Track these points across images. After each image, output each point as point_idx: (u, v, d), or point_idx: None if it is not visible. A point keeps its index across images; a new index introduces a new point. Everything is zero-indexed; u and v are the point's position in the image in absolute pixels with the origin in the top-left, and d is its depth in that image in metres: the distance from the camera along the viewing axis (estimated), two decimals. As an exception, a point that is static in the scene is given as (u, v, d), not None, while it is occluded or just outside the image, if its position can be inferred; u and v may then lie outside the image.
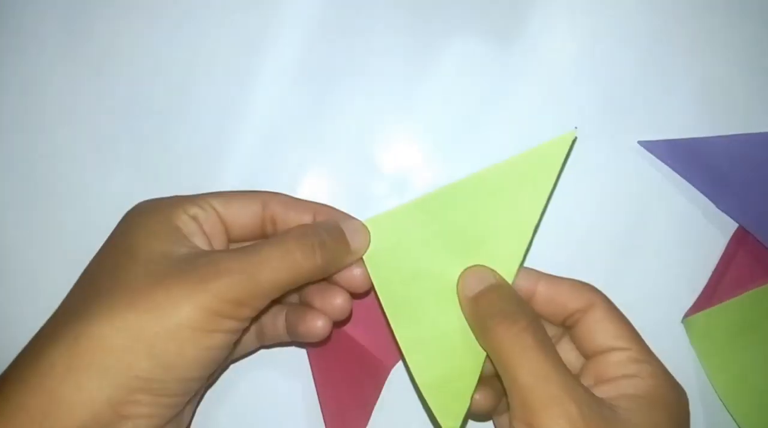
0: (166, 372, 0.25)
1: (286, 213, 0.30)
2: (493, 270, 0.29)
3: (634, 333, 0.28)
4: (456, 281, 0.30)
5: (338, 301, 0.30)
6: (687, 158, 0.35)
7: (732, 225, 0.36)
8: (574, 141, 0.30)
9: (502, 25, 0.37)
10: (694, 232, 0.36)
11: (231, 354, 0.31)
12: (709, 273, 0.36)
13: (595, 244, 0.36)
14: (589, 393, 0.26)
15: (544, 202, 0.29)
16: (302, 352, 0.34)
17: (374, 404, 0.34)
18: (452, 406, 0.29)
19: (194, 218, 0.28)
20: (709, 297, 0.35)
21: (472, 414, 0.31)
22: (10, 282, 0.36)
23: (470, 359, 0.29)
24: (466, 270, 0.29)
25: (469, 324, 0.29)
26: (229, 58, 0.37)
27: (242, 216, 0.29)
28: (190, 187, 0.36)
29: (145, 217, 0.28)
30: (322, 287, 0.31)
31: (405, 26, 0.37)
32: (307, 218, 0.30)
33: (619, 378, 0.27)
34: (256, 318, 0.28)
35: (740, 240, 0.36)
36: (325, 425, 0.33)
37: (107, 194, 0.36)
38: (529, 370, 0.25)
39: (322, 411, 0.33)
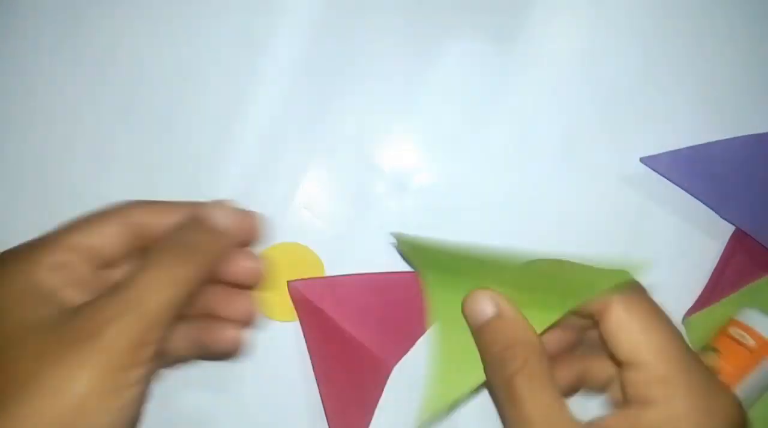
0: None
1: (151, 220, 0.27)
2: (497, 296, 0.28)
3: (662, 336, 0.24)
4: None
5: (245, 305, 0.28)
6: (689, 168, 0.35)
7: (730, 227, 0.36)
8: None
9: (502, 25, 0.37)
10: (693, 233, 0.36)
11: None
12: (709, 274, 0.36)
13: (595, 246, 0.36)
14: None
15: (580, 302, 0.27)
16: (304, 352, 0.34)
17: (377, 403, 0.35)
18: (438, 402, 0.30)
19: (55, 268, 0.24)
20: (708, 297, 0.36)
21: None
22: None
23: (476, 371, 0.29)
24: (471, 294, 0.28)
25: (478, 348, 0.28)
26: (229, 58, 0.37)
27: (109, 242, 0.26)
28: (190, 186, 0.36)
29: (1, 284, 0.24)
30: (219, 293, 0.29)
31: (405, 26, 0.37)
32: (173, 219, 0.27)
33: (641, 403, 0.24)
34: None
35: (738, 241, 0.36)
36: (328, 424, 0.33)
37: (106, 194, 0.36)
38: (522, 412, 0.24)
39: (324, 411, 0.33)
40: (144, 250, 0.26)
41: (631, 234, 0.36)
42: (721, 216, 0.36)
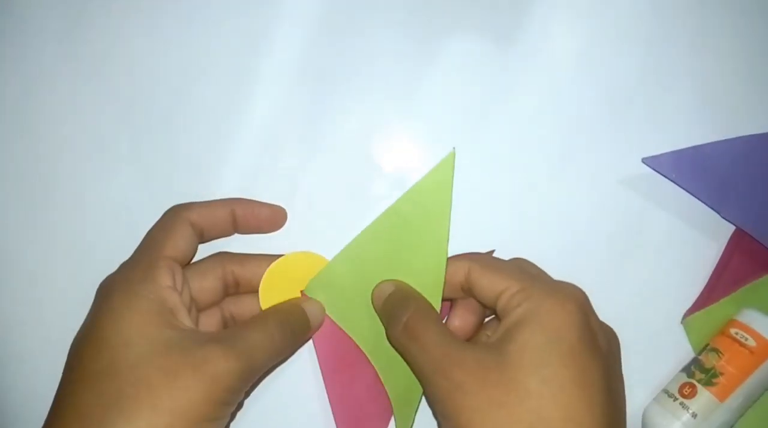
0: None
1: (243, 270, 0.33)
2: (393, 282, 0.32)
3: (509, 275, 0.30)
4: None
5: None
6: (691, 168, 0.35)
7: (730, 227, 0.36)
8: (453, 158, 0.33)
9: (502, 25, 0.37)
10: (693, 233, 0.36)
11: None
12: (709, 274, 0.36)
13: (596, 246, 0.36)
14: (477, 347, 0.28)
15: (448, 217, 0.33)
16: (317, 366, 0.35)
17: (388, 421, 0.35)
18: (406, 414, 0.34)
19: (170, 287, 0.29)
20: (708, 297, 0.35)
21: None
22: (10, 282, 0.37)
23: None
24: (376, 286, 0.33)
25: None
26: (229, 58, 0.37)
27: (208, 284, 0.32)
28: (190, 186, 0.36)
29: (126, 298, 0.28)
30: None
31: (405, 26, 0.37)
32: (224, 213, 0.33)
33: (503, 319, 0.29)
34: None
35: (738, 241, 0.36)
36: None
37: (107, 194, 0.36)
38: (420, 358, 0.28)
39: (336, 423, 0.34)
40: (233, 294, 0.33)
41: (631, 235, 0.36)
42: (722, 216, 0.36)
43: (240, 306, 0.34)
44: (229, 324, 0.34)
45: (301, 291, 0.34)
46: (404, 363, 0.31)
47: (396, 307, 0.31)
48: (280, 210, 0.35)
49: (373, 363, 0.34)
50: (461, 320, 0.33)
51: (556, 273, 0.32)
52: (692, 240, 0.36)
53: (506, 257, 0.34)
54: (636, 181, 0.36)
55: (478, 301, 0.32)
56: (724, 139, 0.36)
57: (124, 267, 0.30)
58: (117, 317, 0.27)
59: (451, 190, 0.33)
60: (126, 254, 0.31)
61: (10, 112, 0.37)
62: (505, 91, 0.37)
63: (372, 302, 0.33)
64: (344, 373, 0.34)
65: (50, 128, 0.37)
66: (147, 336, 0.26)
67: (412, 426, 0.34)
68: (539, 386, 0.26)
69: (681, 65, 0.37)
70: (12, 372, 0.36)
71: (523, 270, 0.31)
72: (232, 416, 0.31)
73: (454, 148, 0.32)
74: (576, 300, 0.28)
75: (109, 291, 0.29)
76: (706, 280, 0.36)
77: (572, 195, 0.36)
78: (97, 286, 0.30)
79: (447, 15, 0.37)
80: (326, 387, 0.34)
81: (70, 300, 0.35)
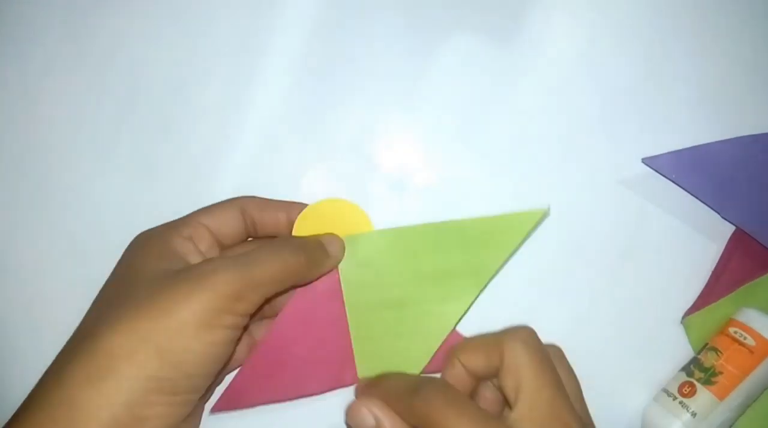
0: (175, 370, 0.26)
1: (261, 214, 0.33)
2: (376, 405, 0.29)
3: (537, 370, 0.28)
4: (415, 303, 0.33)
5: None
6: (691, 168, 0.35)
7: (730, 227, 0.36)
8: (543, 217, 0.32)
9: (502, 25, 0.37)
10: (693, 233, 0.36)
11: (228, 363, 0.33)
12: (708, 274, 0.36)
13: (595, 246, 0.36)
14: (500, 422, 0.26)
15: (500, 264, 0.32)
16: None
17: (307, 392, 0.34)
18: None
19: (188, 239, 0.31)
20: (707, 297, 0.36)
21: None
22: (10, 282, 0.36)
23: (410, 366, 0.33)
24: (349, 407, 0.29)
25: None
26: (229, 58, 0.37)
27: (228, 225, 0.32)
28: (190, 186, 0.36)
29: (145, 244, 0.31)
30: None
31: (405, 26, 0.37)
32: (281, 216, 0.33)
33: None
34: (254, 315, 0.30)
35: (738, 241, 0.36)
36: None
37: (107, 194, 0.36)
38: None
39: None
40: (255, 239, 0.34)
41: (631, 234, 0.36)
42: (721, 216, 0.36)
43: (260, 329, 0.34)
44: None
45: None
46: (385, 358, 0.32)
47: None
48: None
49: (353, 344, 0.33)
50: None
51: (556, 273, 0.32)
52: (692, 240, 0.36)
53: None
54: (636, 181, 0.36)
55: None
56: (723, 139, 0.36)
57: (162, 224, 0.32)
58: (133, 257, 0.30)
59: (516, 247, 0.32)
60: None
61: (9, 112, 0.37)
62: (505, 91, 0.37)
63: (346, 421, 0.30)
64: (308, 329, 0.33)
65: (50, 128, 0.37)
66: (155, 268, 0.29)
67: None
68: None
69: (681, 65, 0.37)
70: (11, 371, 0.36)
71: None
72: (237, 361, 0.33)
73: (549, 207, 0.32)
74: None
75: (133, 244, 0.31)
76: (706, 280, 0.36)
77: (572, 195, 0.36)
78: (95, 287, 0.30)
79: (447, 15, 0.37)
80: (274, 329, 0.33)
81: (69, 300, 0.35)
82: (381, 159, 0.37)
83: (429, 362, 0.33)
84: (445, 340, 0.33)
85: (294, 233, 0.33)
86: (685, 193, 0.36)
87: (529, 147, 0.37)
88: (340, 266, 0.33)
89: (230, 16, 0.37)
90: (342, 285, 0.33)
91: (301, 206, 0.33)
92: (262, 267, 0.28)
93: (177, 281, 0.27)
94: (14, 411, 0.27)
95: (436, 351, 0.33)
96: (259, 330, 0.34)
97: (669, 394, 0.34)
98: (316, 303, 0.33)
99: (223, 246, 0.32)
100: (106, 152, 0.37)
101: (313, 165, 0.37)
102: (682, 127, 0.37)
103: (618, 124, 0.37)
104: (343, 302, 0.33)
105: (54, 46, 0.37)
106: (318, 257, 0.32)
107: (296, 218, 0.33)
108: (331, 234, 0.33)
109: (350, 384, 0.33)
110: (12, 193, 0.36)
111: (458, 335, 0.33)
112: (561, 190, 0.36)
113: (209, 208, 0.32)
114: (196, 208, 0.32)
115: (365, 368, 0.33)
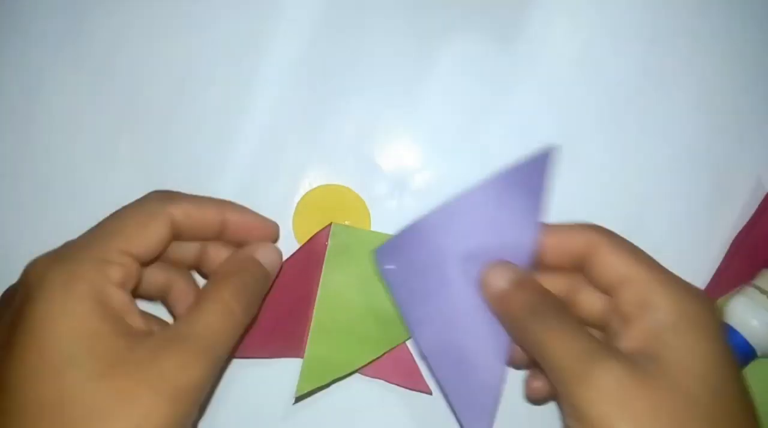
0: None
1: (188, 220, 0.28)
2: (513, 265, 0.29)
3: (641, 259, 0.27)
4: (382, 304, 0.33)
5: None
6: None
7: (730, 227, 0.36)
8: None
9: (502, 25, 0.37)
10: (693, 233, 0.36)
11: None
12: (709, 274, 0.36)
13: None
14: (627, 357, 0.24)
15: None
16: None
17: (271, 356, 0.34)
18: (314, 378, 0.32)
19: (120, 285, 0.24)
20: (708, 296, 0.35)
21: (535, 400, 0.33)
22: (10, 282, 0.36)
23: (355, 358, 0.33)
24: (488, 266, 0.29)
25: (498, 318, 0.29)
26: (230, 58, 0.37)
27: (152, 246, 0.26)
28: (190, 186, 0.36)
29: (65, 301, 0.23)
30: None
31: (405, 26, 0.37)
32: (215, 219, 0.29)
33: (639, 317, 0.25)
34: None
35: (740, 241, 0.36)
36: None
37: (107, 194, 0.36)
38: (562, 356, 0.24)
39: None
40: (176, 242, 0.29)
41: (630, 235, 0.36)
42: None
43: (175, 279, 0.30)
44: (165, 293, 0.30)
45: (331, 223, 0.34)
46: (334, 344, 0.33)
47: (538, 301, 0.27)
48: (274, 226, 0.32)
49: (313, 321, 0.33)
50: (542, 381, 0.30)
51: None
52: (692, 240, 0.36)
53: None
54: (636, 180, 0.36)
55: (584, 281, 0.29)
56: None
57: (70, 249, 0.25)
58: (54, 322, 0.22)
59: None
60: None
61: (9, 112, 0.37)
62: (505, 91, 0.37)
63: (481, 283, 0.29)
64: (282, 295, 0.33)
65: (50, 128, 0.37)
66: (92, 350, 0.22)
67: (311, 390, 0.33)
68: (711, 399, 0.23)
69: (681, 65, 0.37)
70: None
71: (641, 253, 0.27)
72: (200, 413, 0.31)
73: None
74: (713, 311, 0.25)
75: (44, 282, 0.23)
76: (707, 281, 0.36)
77: (572, 195, 0.36)
78: None
79: (447, 15, 0.37)
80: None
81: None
82: (381, 159, 0.37)
83: (370, 363, 0.33)
84: (393, 350, 0.34)
85: (293, 219, 0.33)
86: (685, 193, 0.36)
87: (528, 147, 0.37)
88: (329, 248, 0.33)
89: (231, 17, 0.37)
90: (324, 264, 0.33)
91: (234, 207, 0.30)
92: (221, 341, 0.25)
93: (131, 386, 0.22)
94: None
95: (381, 356, 0.33)
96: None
97: (762, 291, 0.33)
98: (298, 273, 0.34)
99: (144, 265, 0.27)
100: (106, 152, 0.37)
101: (313, 165, 0.37)
102: (682, 127, 0.37)
103: (618, 123, 0.37)
104: (318, 279, 0.34)
105: (54, 46, 0.37)
106: (264, 288, 0.29)
107: (231, 219, 0.30)
108: (269, 248, 0.30)
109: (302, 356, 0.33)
110: (12, 193, 0.36)
111: (407, 350, 0.34)
112: (560, 190, 0.36)
113: (127, 219, 0.26)
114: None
115: (315, 347, 0.33)
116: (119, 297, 0.24)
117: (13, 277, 0.37)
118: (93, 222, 0.36)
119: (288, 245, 0.35)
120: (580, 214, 0.36)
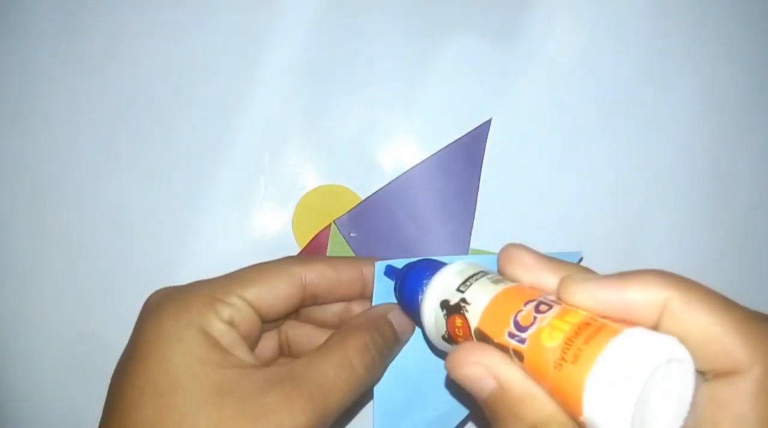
0: None
1: (318, 280, 0.27)
2: (491, 366, 0.20)
3: (725, 316, 0.19)
4: None
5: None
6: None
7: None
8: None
9: (502, 25, 0.37)
10: (693, 233, 0.36)
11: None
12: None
13: (595, 246, 0.36)
14: None
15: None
16: None
17: None
18: None
19: (230, 323, 0.25)
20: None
21: None
22: (10, 282, 0.36)
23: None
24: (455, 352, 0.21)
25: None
26: (229, 58, 0.37)
27: (277, 301, 0.26)
28: (189, 186, 0.36)
29: (173, 327, 0.24)
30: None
31: (405, 26, 0.37)
32: (352, 276, 0.28)
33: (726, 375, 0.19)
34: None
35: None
36: None
37: (107, 194, 0.36)
38: None
39: None
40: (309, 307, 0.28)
41: (630, 235, 0.36)
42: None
43: (298, 331, 0.30)
44: (284, 351, 0.29)
45: (334, 222, 0.34)
46: None
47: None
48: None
49: None
50: None
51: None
52: (692, 240, 0.36)
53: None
54: (636, 180, 0.36)
55: None
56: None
57: (192, 284, 0.26)
58: (165, 352, 0.23)
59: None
60: (125, 254, 0.31)
61: (9, 112, 0.37)
62: (504, 91, 0.37)
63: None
64: None
65: (49, 128, 0.37)
66: (198, 378, 0.22)
67: None
68: None
69: (681, 65, 0.37)
70: (10, 371, 0.36)
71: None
72: None
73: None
74: None
75: (158, 310, 0.24)
76: (707, 280, 0.36)
77: (572, 195, 0.36)
78: (93, 287, 0.29)
79: (447, 15, 0.37)
80: None
81: (68, 300, 0.35)
82: (381, 159, 0.37)
83: None
84: None
85: (293, 220, 0.33)
86: (685, 193, 0.36)
87: (528, 147, 0.37)
88: (330, 248, 0.34)
89: (230, 16, 0.37)
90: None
91: (357, 263, 0.28)
92: (335, 395, 0.24)
93: (240, 412, 0.22)
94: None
95: None
96: (289, 329, 0.30)
97: None
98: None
99: (266, 321, 0.27)
100: (105, 152, 0.37)
101: (313, 165, 0.37)
102: (682, 127, 0.37)
103: (618, 123, 0.37)
104: None
105: (53, 46, 0.37)
106: (391, 352, 0.27)
107: (369, 275, 0.28)
108: (400, 312, 0.27)
109: None
110: (11, 192, 0.37)
111: None
112: (560, 190, 0.36)
113: (253, 272, 0.26)
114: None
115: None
116: (225, 332, 0.24)
117: (11, 276, 0.37)
118: (93, 222, 0.37)
119: (288, 245, 0.35)
120: (580, 214, 0.36)
